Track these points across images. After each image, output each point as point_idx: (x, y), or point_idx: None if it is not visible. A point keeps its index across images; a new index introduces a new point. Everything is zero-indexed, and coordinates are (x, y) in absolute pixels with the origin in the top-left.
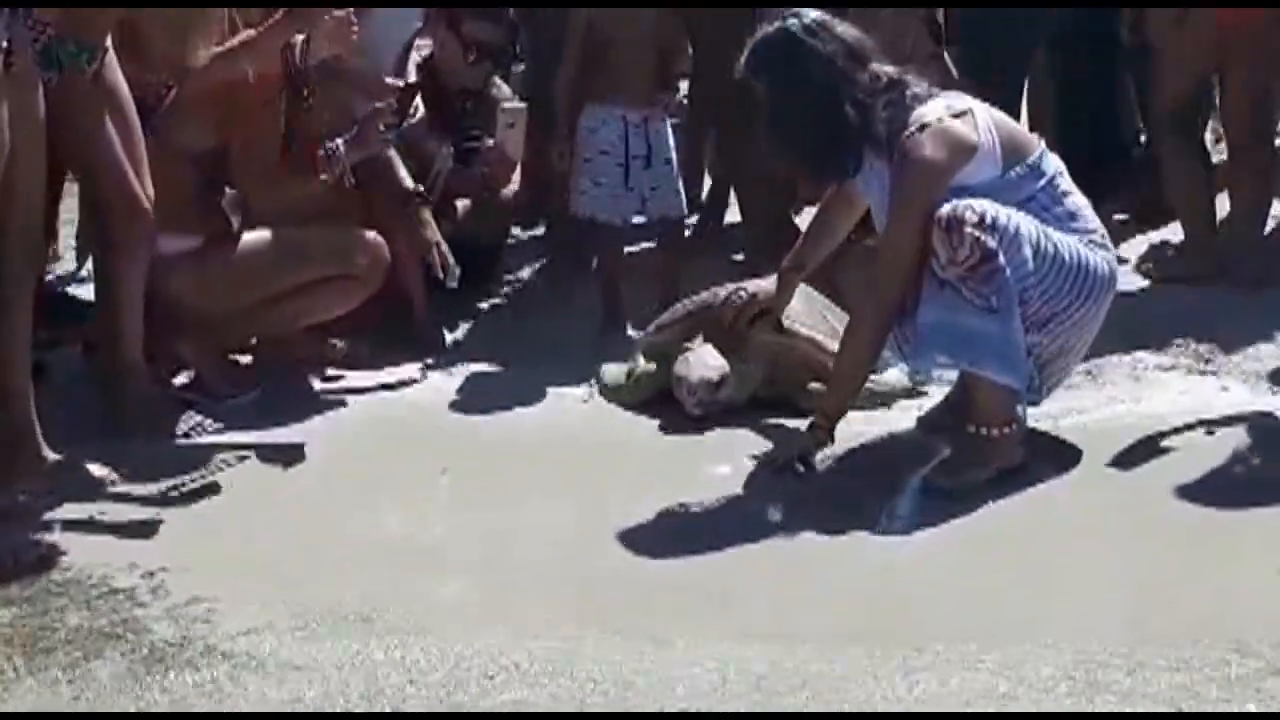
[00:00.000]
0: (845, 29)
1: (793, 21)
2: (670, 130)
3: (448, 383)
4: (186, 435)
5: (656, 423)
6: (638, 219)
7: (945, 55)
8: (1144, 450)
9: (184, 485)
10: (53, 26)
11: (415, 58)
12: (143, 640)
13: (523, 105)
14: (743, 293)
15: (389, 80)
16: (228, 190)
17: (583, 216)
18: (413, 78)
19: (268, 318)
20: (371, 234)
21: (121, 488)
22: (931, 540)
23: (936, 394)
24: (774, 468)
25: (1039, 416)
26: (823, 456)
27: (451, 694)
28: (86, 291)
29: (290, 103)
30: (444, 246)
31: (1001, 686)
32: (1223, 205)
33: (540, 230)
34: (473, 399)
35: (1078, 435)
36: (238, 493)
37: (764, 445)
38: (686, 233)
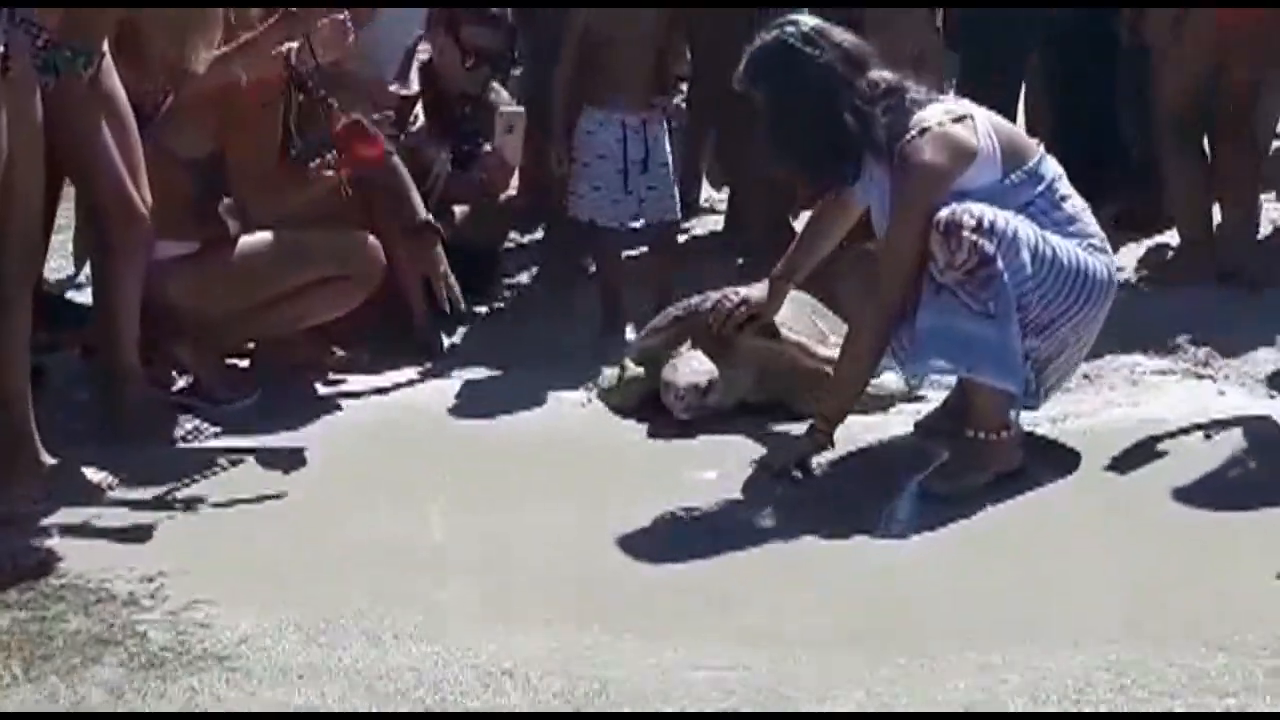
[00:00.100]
0: (843, 35)
1: (790, 30)
2: (668, 134)
3: (447, 387)
4: (185, 440)
5: (659, 427)
6: (634, 223)
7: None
8: (1142, 454)
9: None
10: (50, 31)
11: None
12: (141, 645)
13: (521, 110)
14: (731, 298)
15: (392, 88)
16: (225, 198)
17: (582, 220)
18: (415, 85)
19: (266, 320)
20: (369, 236)
21: (119, 492)
22: (930, 544)
23: (934, 399)
24: (773, 471)
25: (1037, 420)
26: (822, 460)
27: (452, 697)
28: (85, 296)
29: (292, 107)
30: (451, 278)
31: (1000, 690)
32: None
33: (538, 234)
34: (472, 403)
35: (1076, 439)
36: (236, 497)
37: (758, 450)
38: (682, 237)
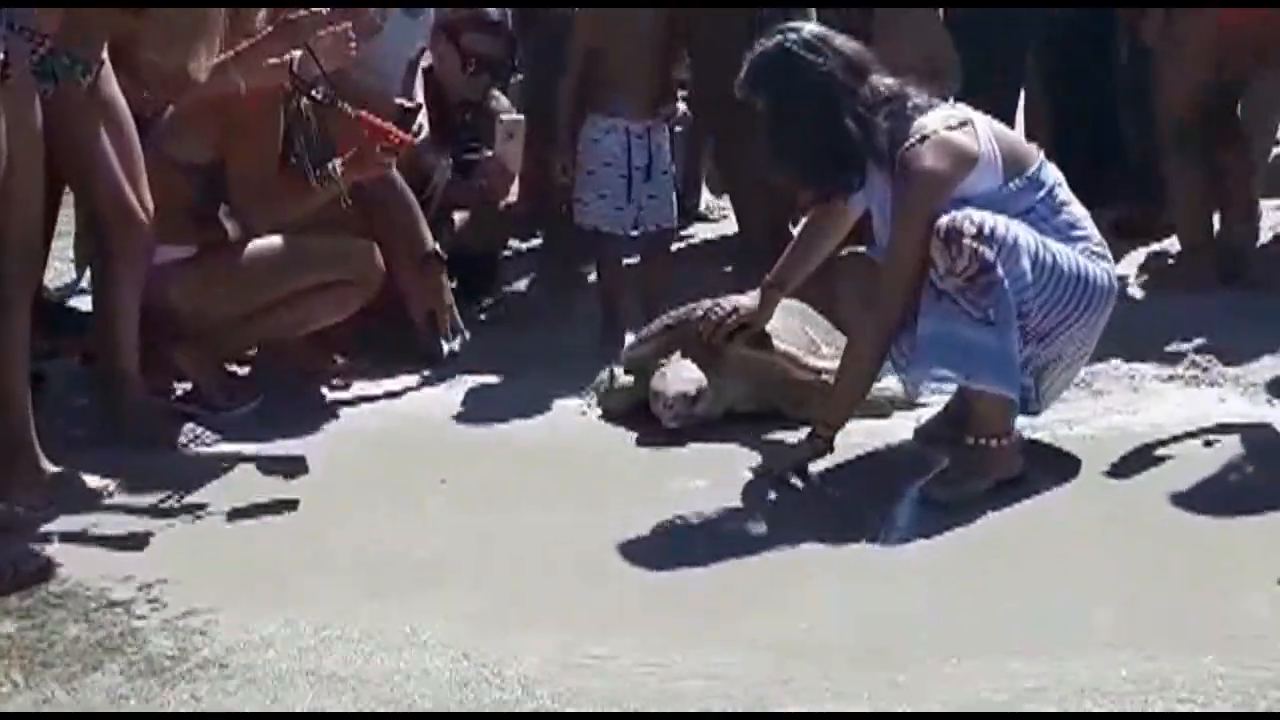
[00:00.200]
0: (844, 42)
1: (791, 36)
2: (670, 140)
3: (446, 394)
4: (185, 446)
5: (650, 435)
6: (633, 231)
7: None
8: (1142, 461)
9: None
10: (50, 39)
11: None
12: (141, 653)
13: (521, 118)
14: (722, 306)
15: (399, 101)
16: (224, 203)
17: (586, 228)
18: (420, 96)
19: (266, 325)
20: (369, 242)
21: (120, 499)
22: (930, 551)
23: (935, 405)
24: (771, 477)
25: (1037, 427)
26: (821, 467)
27: (452, 701)
28: (85, 302)
29: (293, 117)
30: (454, 311)
31: (1000, 695)
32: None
33: (537, 240)
34: (471, 410)
35: (1076, 446)
36: (236, 504)
37: (753, 458)
38: (681, 244)
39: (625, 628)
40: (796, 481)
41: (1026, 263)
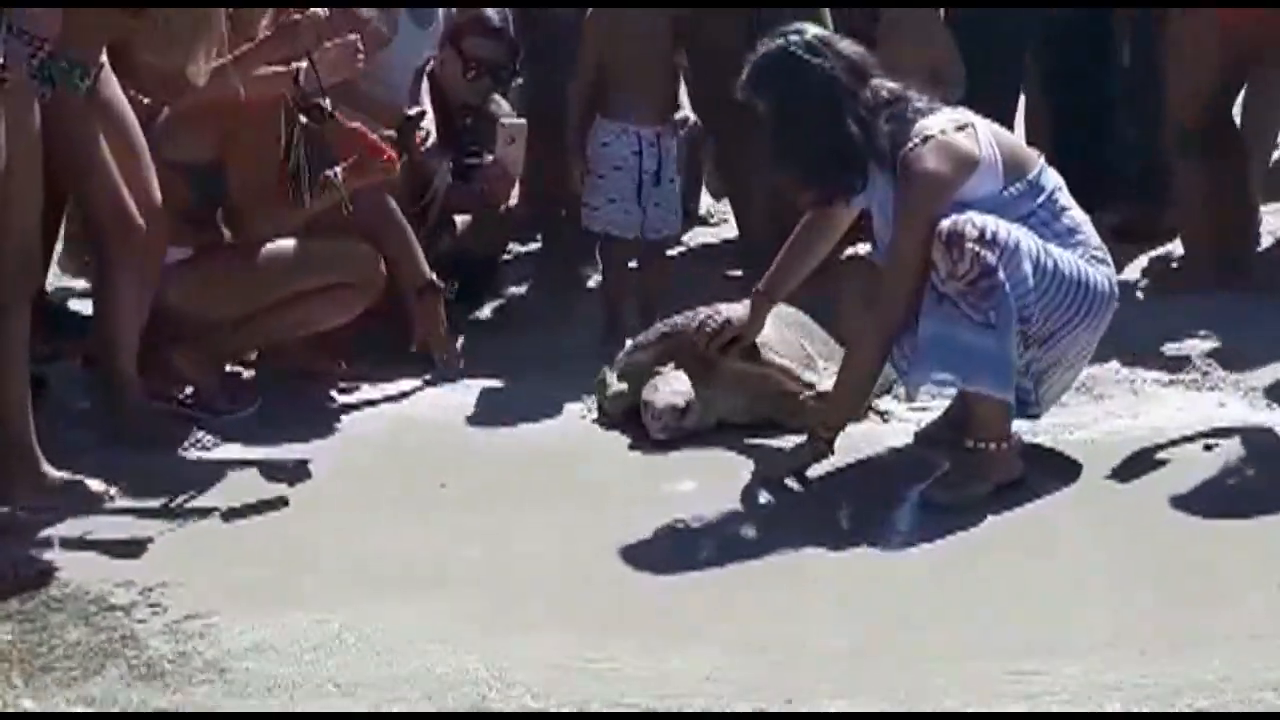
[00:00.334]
0: (847, 45)
1: (794, 39)
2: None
3: (447, 397)
4: (186, 450)
5: (643, 439)
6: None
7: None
8: (1142, 464)
9: (180, 500)
10: (49, 42)
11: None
12: (141, 656)
13: (522, 122)
14: (715, 319)
15: (407, 111)
16: (221, 206)
17: (596, 232)
18: (427, 104)
19: (267, 326)
20: (369, 246)
21: (120, 502)
22: (931, 554)
23: (935, 408)
24: (771, 480)
25: (1038, 431)
26: (822, 470)
27: (453, 704)
28: (87, 305)
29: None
30: (453, 346)
31: (1001, 698)
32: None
33: (537, 244)
34: (471, 413)
35: (1077, 450)
36: (236, 507)
37: (751, 462)
38: (681, 247)
39: (626, 630)
40: (796, 484)
41: (1028, 267)
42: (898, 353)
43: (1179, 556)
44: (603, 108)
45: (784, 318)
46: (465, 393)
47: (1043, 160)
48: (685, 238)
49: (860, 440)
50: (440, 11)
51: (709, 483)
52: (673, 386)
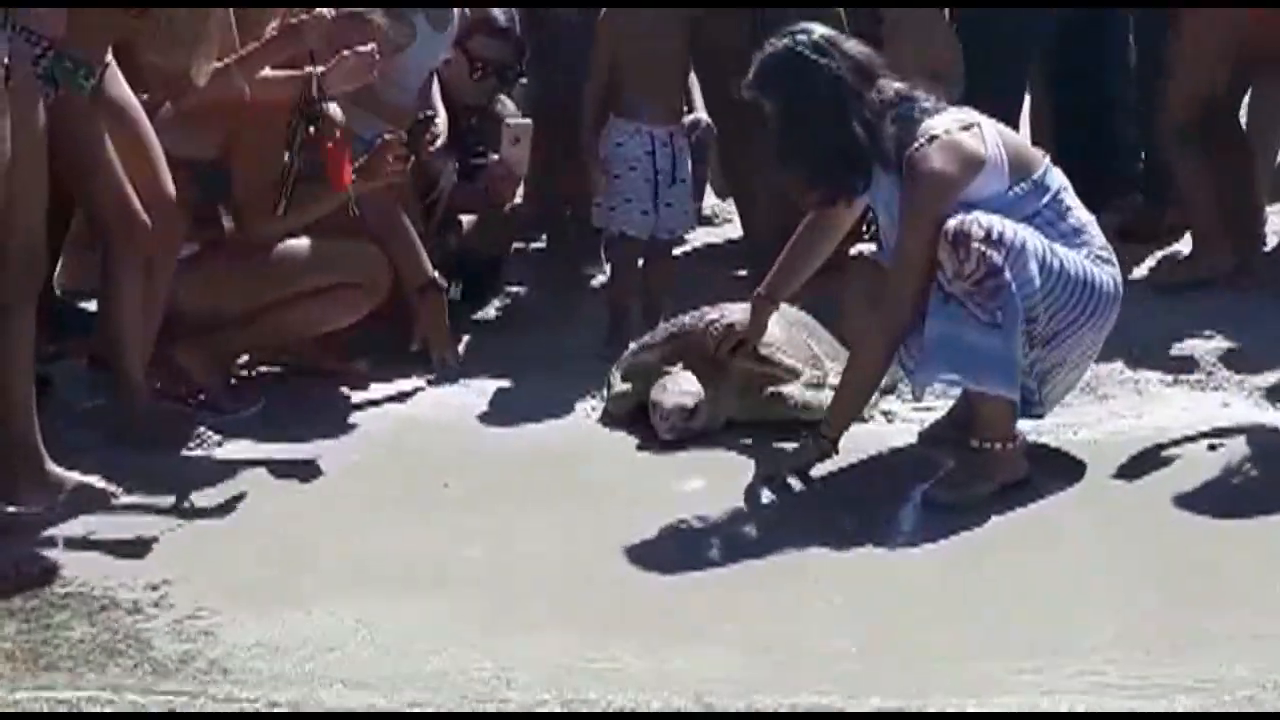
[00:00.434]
0: (853, 45)
1: (800, 38)
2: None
3: (450, 396)
4: (190, 448)
5: (651, 439)
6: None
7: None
8: (1146, 464)
9: (184, 499)
10: (54, 42)
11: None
12: (146, 654)
13: (528, 122)
14: (722, 319)
15: (420, 116)
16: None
17: (612, 232)
18: (439, 104)
19: (272, 325)
20: (375, 247)
21: (124, 501)
22: (935, 554)
23: (940, 408)
24: (774, 478)
25: (1042, 431)
26: (826, 469)
27: (454, 703)
28: (92, 304)
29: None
30: (453, 345)
31: (1005, 696)
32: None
33: (542, 243)
34: (475, 412)
35: (1081, 449)
36: (240, 506)
37: (754, 462)
38: (687, 246)
39: (628, 630)
40: (799, 484)
41: (1034, 267)
42: (904, 353)
43: (1183, 556)
44: (616, 107)
45: (790, 318)
46: (468, 392)
47: (1048, 160)
48: (689, 237)
49: (864, 440)
50: (456, 13)
51: (715, 483)
52: (681, 387)
